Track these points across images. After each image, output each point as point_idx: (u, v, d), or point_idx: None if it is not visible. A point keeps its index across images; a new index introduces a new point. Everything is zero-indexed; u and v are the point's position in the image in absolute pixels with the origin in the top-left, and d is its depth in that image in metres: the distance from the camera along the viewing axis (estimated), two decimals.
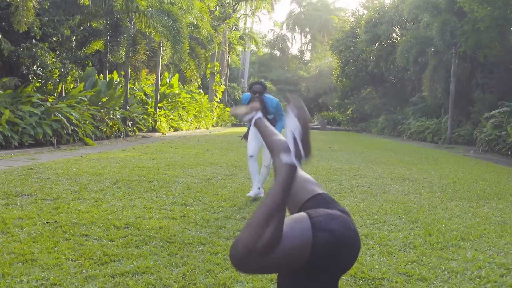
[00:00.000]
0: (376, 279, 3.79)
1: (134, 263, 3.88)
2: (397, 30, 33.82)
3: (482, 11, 15.58)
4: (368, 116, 39.45)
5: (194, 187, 7.63)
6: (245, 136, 7.41)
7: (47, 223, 4.97)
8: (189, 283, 3.52)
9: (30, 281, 3.41)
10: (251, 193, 6.83)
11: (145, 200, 6.42)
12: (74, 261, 3.87)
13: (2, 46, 12.74)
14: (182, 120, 26.34)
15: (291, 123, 2.09)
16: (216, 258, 4.10)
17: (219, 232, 4.99)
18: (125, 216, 5.43)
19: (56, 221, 5.04)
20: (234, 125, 39.74)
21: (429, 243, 4.88)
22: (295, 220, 2.07)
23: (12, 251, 4.02)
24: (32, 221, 4.99)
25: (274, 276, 3.68)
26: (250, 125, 6.43)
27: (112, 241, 4.47)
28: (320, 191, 2.32)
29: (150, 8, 19.07)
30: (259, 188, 6.89)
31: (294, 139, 2.08)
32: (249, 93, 6.91)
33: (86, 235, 4.63)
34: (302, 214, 2.11)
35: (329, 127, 44.43)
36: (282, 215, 1.93)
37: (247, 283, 3.58)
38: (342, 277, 3.74)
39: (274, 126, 6.22)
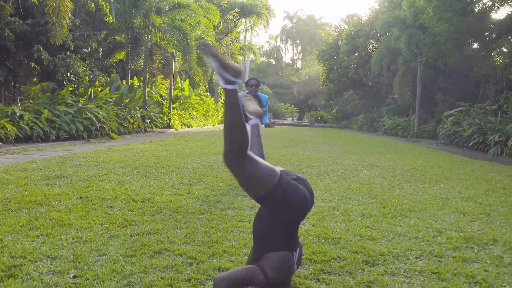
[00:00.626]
0: (336, 238, 4.14)
1: (148, 226, 4.24)
2: (372, 42, 34.03)
3: (440, 27, 15.87)
4: (350, 115, 39.77)
5: (199, 171, 7.97)
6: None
7: (80, 198, 5.33)
8: (189, 240, 3.88)
9: (67, 239, 3.78)
10: None
11: (158, 181, 6.77)
12: (101, 225, 4.23)
13: (42, 56, 13.08)
14: (192, 118, 26.62)
15: (211, 63, 2.39)
16: (212, 223, 4.46)
17: (216, 205, 5.34)
18: (142, 193, 5.78)
19: (87, 197, 5.40)
20: None
21: (382, 214, 5.22)
22: (271, 166, 2.48)
23: (53, 218, 4.38)
24: (68, 197, 5.35)
25: None
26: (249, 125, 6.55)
27: (131, 211, 4.82)
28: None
29: (164, 24, 19.37)
30: None
31: (220, 70, 2.37)
32: (243, 93, 6.68)
33: (111, 206, 4.99)
34: (276, 168, 2.53)
35: (317, 124, 44.72)
36: (242, 127, 2.34)
37: (234, 240, 3.94)
38: (308, 236, 4.11)
39: (264, 118, 6.56)
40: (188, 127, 25.49)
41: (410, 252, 3.83)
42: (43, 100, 13.57)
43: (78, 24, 14.99)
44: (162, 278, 3.04)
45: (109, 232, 4.03)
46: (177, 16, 19.85)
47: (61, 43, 12.76)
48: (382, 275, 3.31)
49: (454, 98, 21.14)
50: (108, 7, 15.12)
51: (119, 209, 4.89)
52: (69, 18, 12.57)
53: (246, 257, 3.52)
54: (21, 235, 3.82)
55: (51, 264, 3.21)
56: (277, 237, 2.47)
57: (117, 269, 3.15)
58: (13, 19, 12.50)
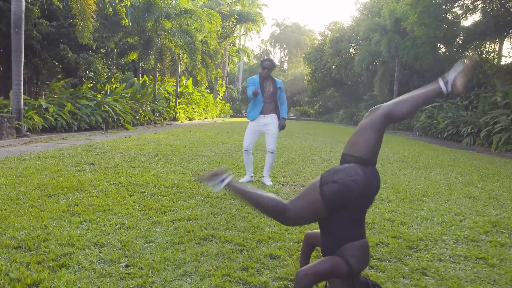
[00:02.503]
0: (369, 223, 3.70)
1: (186, 212, 3.75)
2: (353, 46, 33.56)
3: (420, 31, 15.47)
4: (331, 110, 39.38)
5: (215, 159, 7.48)
6: (255, 93, 5.27)
7: (113, 183, 4.82)
8: (231, 226, 3.40)
9: (111, 225, 3.28)
10: (243, 180, 5.53)
11: (181, 168, 6.28)
12: (140, 211, 3.74)
13: (68, 55, 12.46)
14: (194, 112, 26.04)
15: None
16: (247, 208, 3.99)
17: None
18: (170, 179, 5.29)
19: (119, 182, 4.89)
20: (232, 116, 39.44)
21: (400, 198, 4.80)
22: (310, 185, 2.04)
23: (92, 203, 3.87)
24: (101, 182, 4.84)
25: None
26: (252, 119, 5.49)
27: (165, 196, 4.34)
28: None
29: (173, 28, 18.69)
30: (251, 177, 5.57)
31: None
32: (253, 76, 5.52)
33: (144, 192, 4.49)
34: (317, 178, 2.07)
35: (302, 118, 44.35)
36: (269, 198, 2.05)
37: (274, 226, 3.48)
38: None
39: (277, 110, 5.50)
40: (191, 119, 24.93)
41: (445, 237, 3.40)
42: (66, 94, 12.92)
43: (97, 26, 14.30)
44: (217, 267, 2.56)
45: (150, 218, 3.54)
46: (184, 20, 19.17)
47: (87, 42, 12.12)
48: (431, 260, 2.87)
49: None
50: (125, 11, 14.42)
51: (152, 195, 4.39)
52: (94, 20, 11.92)
53: (292, 243, 3.06)
54: (64, 221, 3.31)
55: (100, 252, 2.72)
56: (350, 226, 2.01)
57: (169, 258, 2.66)
58: (40, 21, 11.80)
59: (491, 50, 21.53)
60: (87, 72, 14.40)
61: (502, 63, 19.00)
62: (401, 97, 2.18)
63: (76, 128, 11.93)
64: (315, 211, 2.01)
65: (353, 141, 2.12)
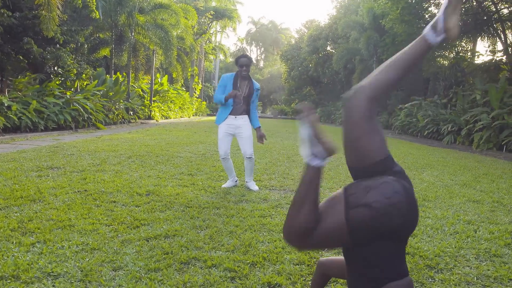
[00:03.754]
0: None
1: (164, 226, 3.18)
2: (331, 44, 33.34)
3: (400, 28, 15.24)
4: None
5: (194, 160, 6.90)
6: (232, 94, 4.68)
7: (78, 191, 4.19)
8: (217, 245, 2.85)
9: (71, 246, 2.68)
10: (226, 185, 4.92)
11: (157, 171, 5.68)
12: (108, 226, 3.14)
13: (33, 49, 11.57)
14: (170, 110, 25.22)
15: (303, 130, 1.52)
16: (233, 220, 3.45)
17: (227, 197, 4.33)
18: (144, 185, 4.69)
19: (86, 190, 4.26)
20: (208, 115, 38.68)
21: None
22: (330, 202, 1.48)
23: (50, 217, 3.25)
24: (64, 190, 4.19)
25: None
26: (219, 123, 4.82)
27: (138, 207, 3.75)
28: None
29: (147, 23, 17.88)
30: (235, 181, 4.98)
31: (311, 141, 1.48)
32: (228, 74, 4.88)
33: (114, 201, 3.89)
34: (339, 192, 1.50)
35: (279, 116, 43.95)
36: (309, 207, 1.44)
37: (268, 242, 2.95)
38: None
39: (249, 114, 4.87)
40: (167, 118, 24.12)
41: (464, 251, 2.95)
42: (32, 91, 12.01)
43: (65, 19, 13.39)
44: None
45: (120, 235, 2.95)
46: (158, 15, 18.34)
47: (53, 35, 11.24)
48: (458, 284, 2.41)
49: (406, 92, 20.68)
50: (95, 3, 13.55)
51: (124, 205, 3.79)
52: (60, 11, 11.08)
53: (293, 266, 2.54)
54: (12, 243, 2.68)
55: (54, 286, 2.13)
56: (389, 260, 1.49)
57: None
58: (1, 11, 10.86)
59: (466, 49, 21.64)
60: (55, 68, 13.48)
61: (479, 61, 19.04)
62: (379, 67, 1.62)
63: (42, 128, 11.07)
64: (334, 241, 1.49)
65: (354, 147, 1.57)
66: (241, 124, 4.78)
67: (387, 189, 1.41)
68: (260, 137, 4.84)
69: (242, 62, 4.71)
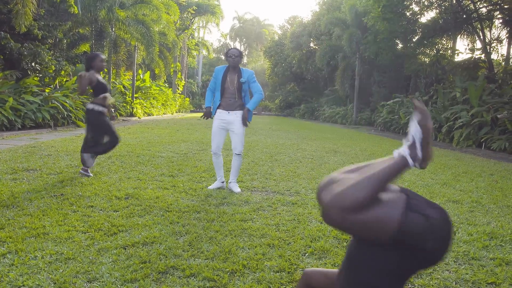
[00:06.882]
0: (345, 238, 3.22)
1: (142, 233, 3.11)
2: (314, 40, 33.42)
3: (382, 26, 15.36)
4: (292, 105, 39.09)
5: (176, 161, 6.82)
6: (207, 114, 4.91)
7: (54, 196, 4.07)
8: (197, 252, 2.80)
9: (44, 256, 2.59)
10: (212, 186, 4.89)
11: (137, 173, 5.58)
12: (85, 233, 3.06)
13: (10, 44, 11.25)
14: (153, 107, 24.91)
15: (413, 128, 1.51)
16: (214, 225, 3.40)
17: (208, 200, 4.28)
18: (124, 188, 4.59)
19: (62, 194, 4.15)
20: (192, 111, 38.40)
21: None
22: (390, 195, 1.45)
23: (23, 225, 3.15)
24: (40, 195, 4.08)
25: (274, 241, 3.04)
26: (215, 113, 4.86)
27: (116, 211, 3.67)
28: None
29: (128, 18, 17.59)
30: (222, 182, 4.91)
31: (414, 142, 1.49)
32: (220, 66, 4.88)
33: (92, 206, 3.79)
34: (401, 193, 1.48)
35: (263, 112, 43.94)
36: (378, 188, 1.40)
37: (249, 248, 2.92)
38: (327, 239, 3.16)
39: (245, 100, 4.82)
40: (149, 115, 23.81)
41: None
42: (7, 88, 11.68)
43: (42, 13, 13.06)
44: None
45: (96, 243, 2.88)
46: (140, 10, 18.05)
47: (26, 30, 10.94)
48: None
49: (388, 90, 20.92)
50: None
51: (101, 209, 3.70)
52: (34, 6, 10.78)
53: (273, 274, 2.51)
54: None
55: None
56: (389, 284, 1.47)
57: None
58: None
59: (446, 47, 21.96)
60: (33, 64, 13.15)
61: (458, 59, 19.34)
62: (358, 176, 1.54)
63: (20, 126, 10.80)
64: (372, 230, 1.41)
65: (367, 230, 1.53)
66: (234, 120, 4.77)
67: (444, 215, 1.42)
68: (243, 118, 4.78)
69: (231, 52, 4.74)
